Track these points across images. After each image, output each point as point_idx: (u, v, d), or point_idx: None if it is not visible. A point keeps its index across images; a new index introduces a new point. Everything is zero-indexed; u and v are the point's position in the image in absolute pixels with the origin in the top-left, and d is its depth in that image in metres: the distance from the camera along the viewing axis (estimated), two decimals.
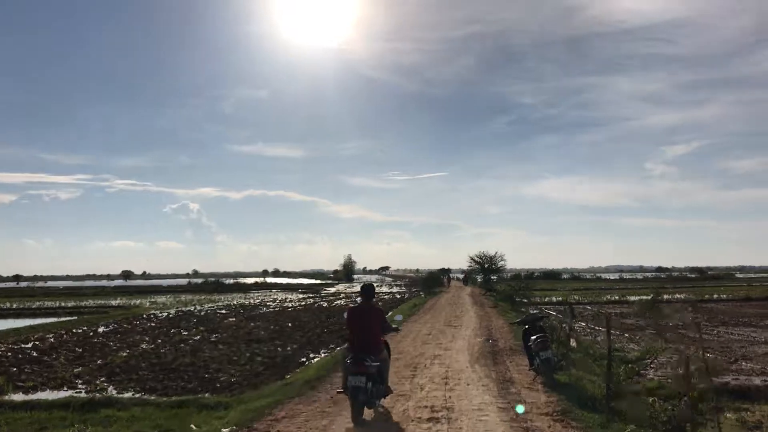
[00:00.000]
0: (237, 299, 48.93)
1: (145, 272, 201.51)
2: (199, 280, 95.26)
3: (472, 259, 52.28)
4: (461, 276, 75.42)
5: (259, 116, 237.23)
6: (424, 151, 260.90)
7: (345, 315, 7.67)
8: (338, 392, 7.46)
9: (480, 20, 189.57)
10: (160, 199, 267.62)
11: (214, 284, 79.54)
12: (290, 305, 38.66)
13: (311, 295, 54.27)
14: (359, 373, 6.73)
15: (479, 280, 57.18)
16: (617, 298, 41.43)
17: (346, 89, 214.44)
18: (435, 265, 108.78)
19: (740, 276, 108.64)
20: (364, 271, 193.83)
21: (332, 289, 70.67)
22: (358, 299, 8.01)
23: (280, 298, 49.44)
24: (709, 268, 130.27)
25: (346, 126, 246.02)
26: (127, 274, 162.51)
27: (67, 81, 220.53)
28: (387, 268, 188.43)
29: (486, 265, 50.90)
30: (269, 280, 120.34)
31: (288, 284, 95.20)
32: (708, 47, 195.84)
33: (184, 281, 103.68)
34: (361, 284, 8.06)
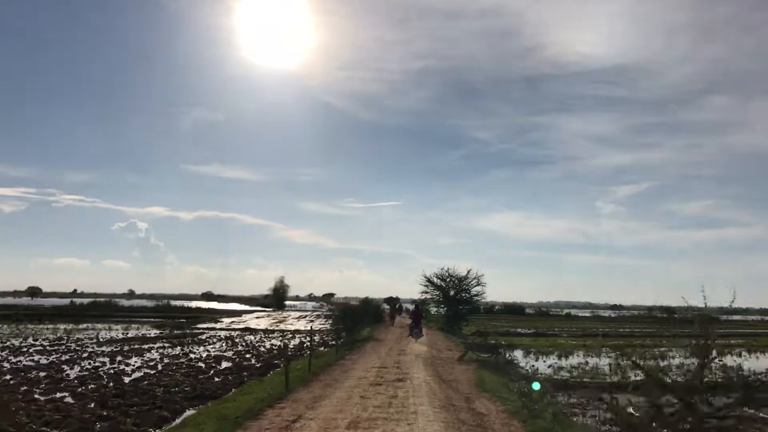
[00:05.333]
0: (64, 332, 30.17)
1: (75, 290, 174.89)
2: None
3: (428, 280, 32.58)
4: (411, 308, 41.63)
5: (216, 137, 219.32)
6: (379, 180, 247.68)
7: (412, 312, 30.09)
8: (408, 335, 26.74)
9: (438, 55, 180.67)
10: (109, 216, 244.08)
11: (81, 308, 64.94)
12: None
13: (173, 336, 33.73)
14: (416, 327, 27.39)
15: (433, 312, 36.09)
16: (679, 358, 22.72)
17: (304, 114, 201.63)
18: (387, 293, 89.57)
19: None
20: (310, 298, 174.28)
21: (224, 321, 48.95)
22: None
23: (106, 337, 28.87)
24: (667, 308, 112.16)
25: (303, 151, 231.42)
26: (33, 292, 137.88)
27: (12, 89, 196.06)
28: (332, 295, 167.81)
29: (452, 292, 31.43)
30: (198, 304, 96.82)
31: (211, 309, 73.79)
32: (656, 93, 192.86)
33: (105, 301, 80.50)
34: (415, 303, 33.05)
